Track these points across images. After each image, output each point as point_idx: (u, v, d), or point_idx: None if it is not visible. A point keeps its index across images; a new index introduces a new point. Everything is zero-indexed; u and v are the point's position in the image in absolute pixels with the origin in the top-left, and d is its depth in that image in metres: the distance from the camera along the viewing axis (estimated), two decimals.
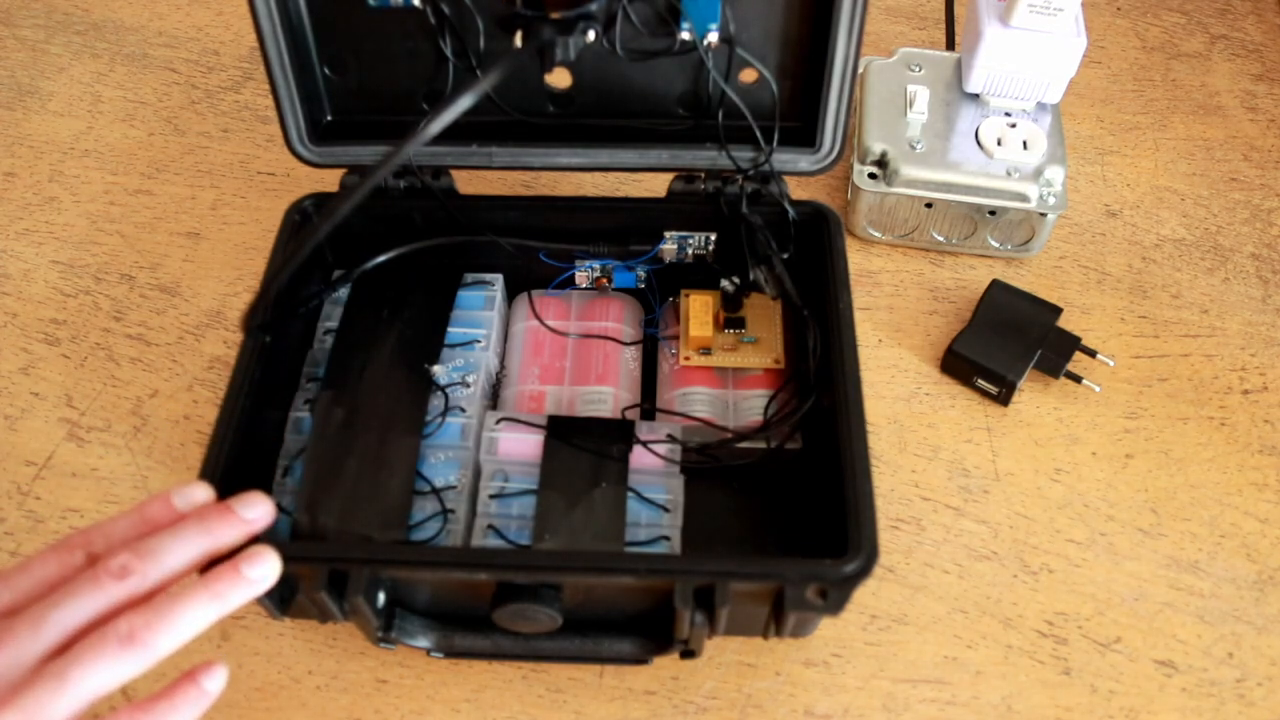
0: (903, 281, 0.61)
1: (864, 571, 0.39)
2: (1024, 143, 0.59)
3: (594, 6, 0.43)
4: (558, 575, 0.41)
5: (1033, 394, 0.56)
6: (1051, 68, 0.59)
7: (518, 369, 0.52)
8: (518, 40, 0.45)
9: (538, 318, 0.54)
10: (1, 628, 0.33)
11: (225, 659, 0.47)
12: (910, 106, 0.61)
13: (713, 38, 0.46)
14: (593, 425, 0.49)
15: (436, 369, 0.50)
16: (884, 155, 0.60)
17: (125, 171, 0.66)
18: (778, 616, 0.42)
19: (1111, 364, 0.57)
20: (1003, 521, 0.52)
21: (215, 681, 0.35)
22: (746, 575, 0.40)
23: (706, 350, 0.52)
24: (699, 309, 0.52)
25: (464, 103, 0.39)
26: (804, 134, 0.50)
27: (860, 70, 0.64)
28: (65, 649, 0.33)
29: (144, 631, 0.33)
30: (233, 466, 0.42)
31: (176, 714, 0.34)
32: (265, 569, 0.37)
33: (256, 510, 0.38)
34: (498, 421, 0.49)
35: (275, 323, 0.47)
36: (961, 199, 0.58)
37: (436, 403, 0.49)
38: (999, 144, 0.59)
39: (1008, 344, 0.55)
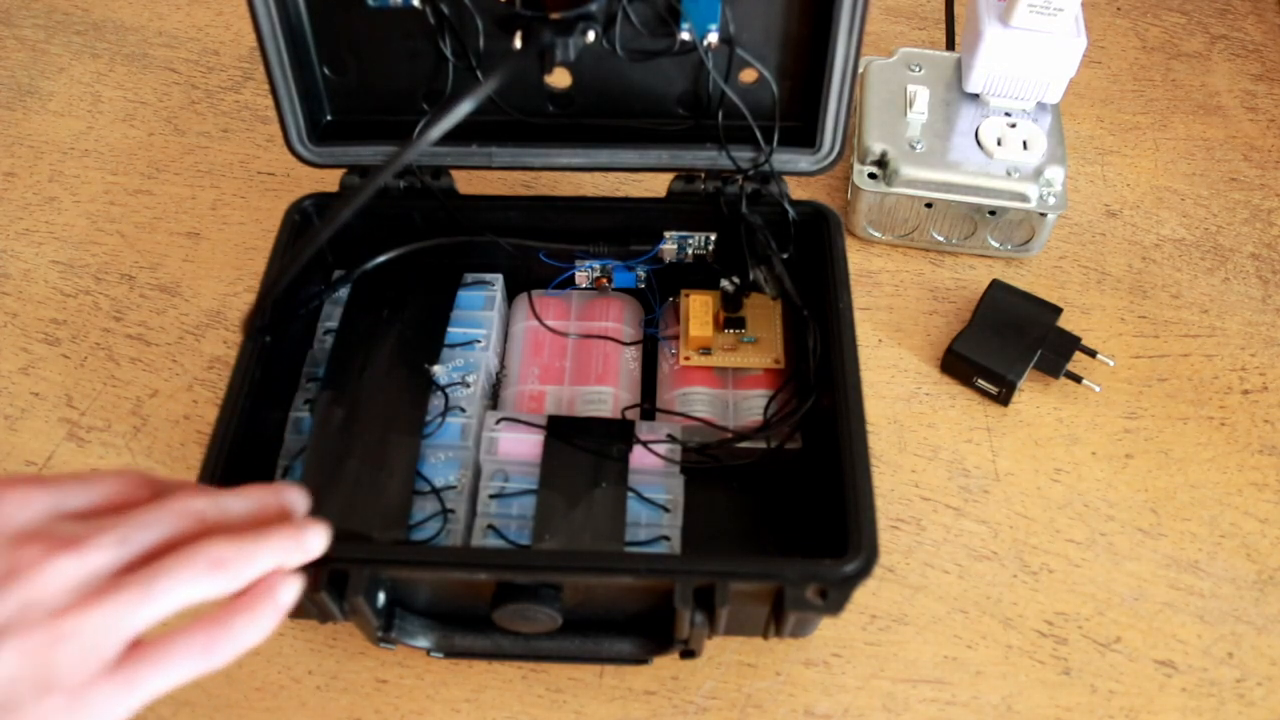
0: (903, 281, 0.61)
1: (864, 571, 0.39)
2: (1024, 143, 0.59)
3: (594, 7, 0.43)
4: (558, 575, 0.41)
5: (1033, 394, 0.56)
6: (1051, 68, 0.59)
7: (518, 369, 0.52)
8: (517, 41, 0.45)
9: (538, 318, 0.54)
10: (88, 529, 0.32)
11: None
12: (910, 106, 0.61)
13: (713, 38, 0.46)
14: (593, 425, 0.49)
15: (436, 369, 0.50)
16: (884, 155, 0.60)
17: (125, 171, 0.66)
18: (778, 616, 0.42)
19: (1111, 364, 0.57)
20: (1003, 521, 0.52)
21: (289, 593, 0.35)
22: (746, 575, 0.40)
23: (706, 350, 0.52)
24: (699, 309, 0.52)
25: (464, 108, 0.39)
26: (804, 134, 0.50)
27: (860, 70, 0.64)
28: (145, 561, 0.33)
29: (234, 561, 0.33)
30: (233, 466, 0.42)
31: (253, 625, 0.34)
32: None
33: (298, 497, 0.39)
34: (498, 421, 0.49)
35: (275, 323, 0.47)
36: (961, 199, 0.58)
37: (436, 403, 0.49)
38: (999, 144, 0.59)
39: (1008, 344, 0.55)
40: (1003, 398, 0.55)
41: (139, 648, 0.32)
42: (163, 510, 0.34)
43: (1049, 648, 0.48)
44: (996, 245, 0.61)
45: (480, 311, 0.53)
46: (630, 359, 0.53)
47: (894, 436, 0.55)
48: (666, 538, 0.46)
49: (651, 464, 0.48)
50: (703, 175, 0.51)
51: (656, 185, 0.53)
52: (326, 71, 0.49)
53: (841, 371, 0.45)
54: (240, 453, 0.43)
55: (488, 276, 0.54)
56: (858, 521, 0.40)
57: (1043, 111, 0.62)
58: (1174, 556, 0.51)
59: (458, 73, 0.49)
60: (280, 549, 0.36)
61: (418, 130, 0.39)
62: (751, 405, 0.51)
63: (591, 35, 0.44)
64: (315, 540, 0.38)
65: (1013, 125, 0.60)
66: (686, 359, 0.52)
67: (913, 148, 0.59)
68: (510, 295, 0.56)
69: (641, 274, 0.55)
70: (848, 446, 0.42)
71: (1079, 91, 0.72)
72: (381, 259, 0.52)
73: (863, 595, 0.49)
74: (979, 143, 0.60)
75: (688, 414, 0.50)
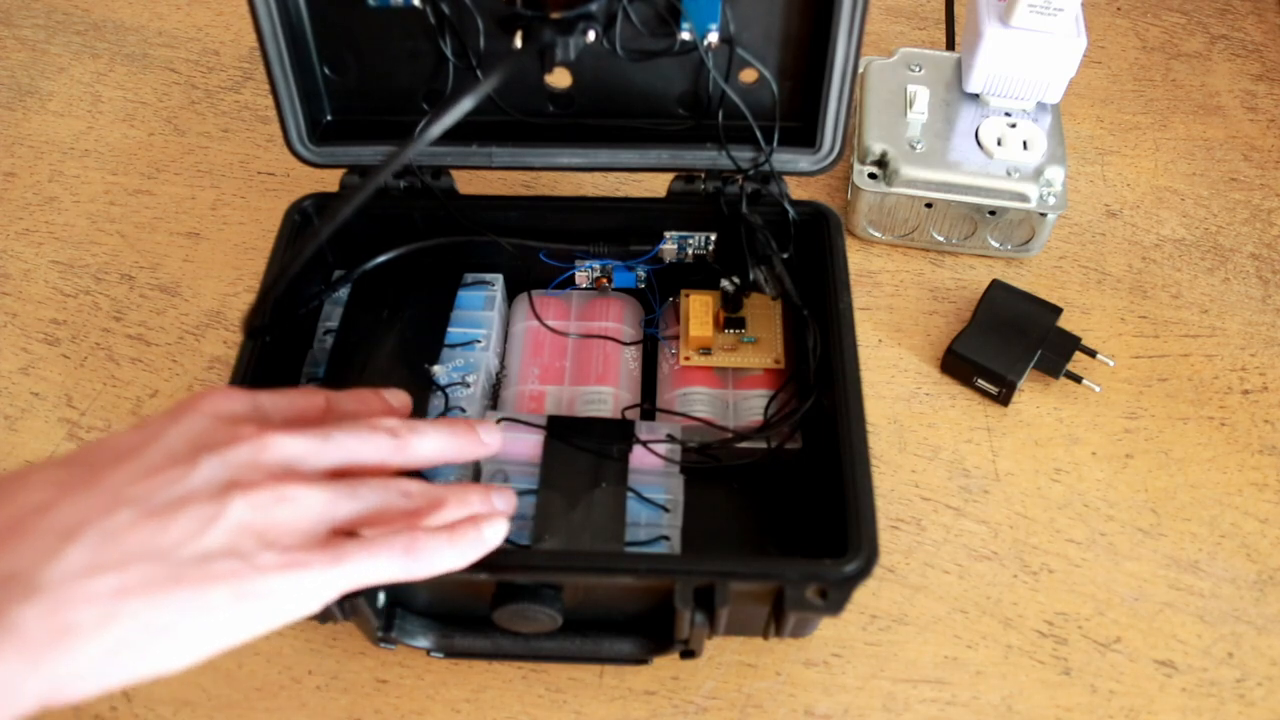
0: (903, 281, 0.61)
1: (864, 571, 0.39)
2: (1024, 143, 0.59)
3: (594, 6, 0.43)
4: (558, 575, 0.41)
5: (1033, 394, 0.56)
6: (1051, 68, 0.59)
7: (518, 369, 0.52)
8: (518, 40, 0.45)
9: (538, 318, 0.54)
10: (291, 428, 0.35)
11: (226, 658, 0.47)
12: (910, 106, 0.61)
13: (713, 38, 0.46)
14: (593, 425, 0.49)
15: (436, 369, 0.50)
16: (884, 155, 0.60)
17: (125, 171, 0.66)
18: (778, 616, 0.42)
19: (1111, 364, 0.57)
20: (1003, 521, 0.52)
21: (494, 532, 0.38)
22: (746, 575, 0.40)
23: (706, 350, 0.52)
24: (699, 309, 0.52)
25: (464, 105, 0.39)
26: (804, 134, 0.50)
27: (860, 70, 0.64)
28: (341, 474, 0.36)
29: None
30: None
31: (452, 549, 0.36)
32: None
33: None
34: (498, 421, 0.49)
35: (275, 323, 0.47)
36: (961, 199, 0.58)
37: (436, 403, 0.49)
38: (999, 144, 0.59)
39: (1008, 344, 0.55)
40: (1003, 398, 0.55)
41: (347, 535, 0.35)
42: (359, 424, 0.37)
43: (1049, 648, 0.48)
44: (996, 245, 0.61)
45: (480, 311, 0.53)
46: (630, 359, 0.53)
47: (894, 436, 0.55)
48: (666, 538, 0.46)
49: (651, 464, 0.48)
50: (703, 175, 0.51)
51: (656, 185, 0.53)
52: (326, 71, 0.49)
53: (841, 371, 0.45)
54: None
55: (488, 276, 0.54)
56: (858, 521, 0.40)
57: (1043, 111, 0.62)
58: (1174, 556, 0.51)
59: (458, 73, 0.49)
60: (444, 443, 0.40)
61: (419, 129, 0.39)
62: (751, 405, 0.51)
63: (592, 35, 0.44)
64: (485, 435, 0.41)
65: (1013, 125, 0.60)
66: (686, 359, 0.52)
67: (913, 148, 0.59)
68: (510, 295, 0.56)
69: (641, 274, 0.55)
70: (848, 446, 0.42)
71: (1079, 91, 0.72)
72: (381, 259, 0.52)
73: (863, 595, 0.49)
74: (979, 143, 0.60)
75: (688, 414, 0.50)
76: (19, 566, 0.29)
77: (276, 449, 0.34)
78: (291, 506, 0.33)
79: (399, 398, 0.43)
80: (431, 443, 0.39)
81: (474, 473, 0.48)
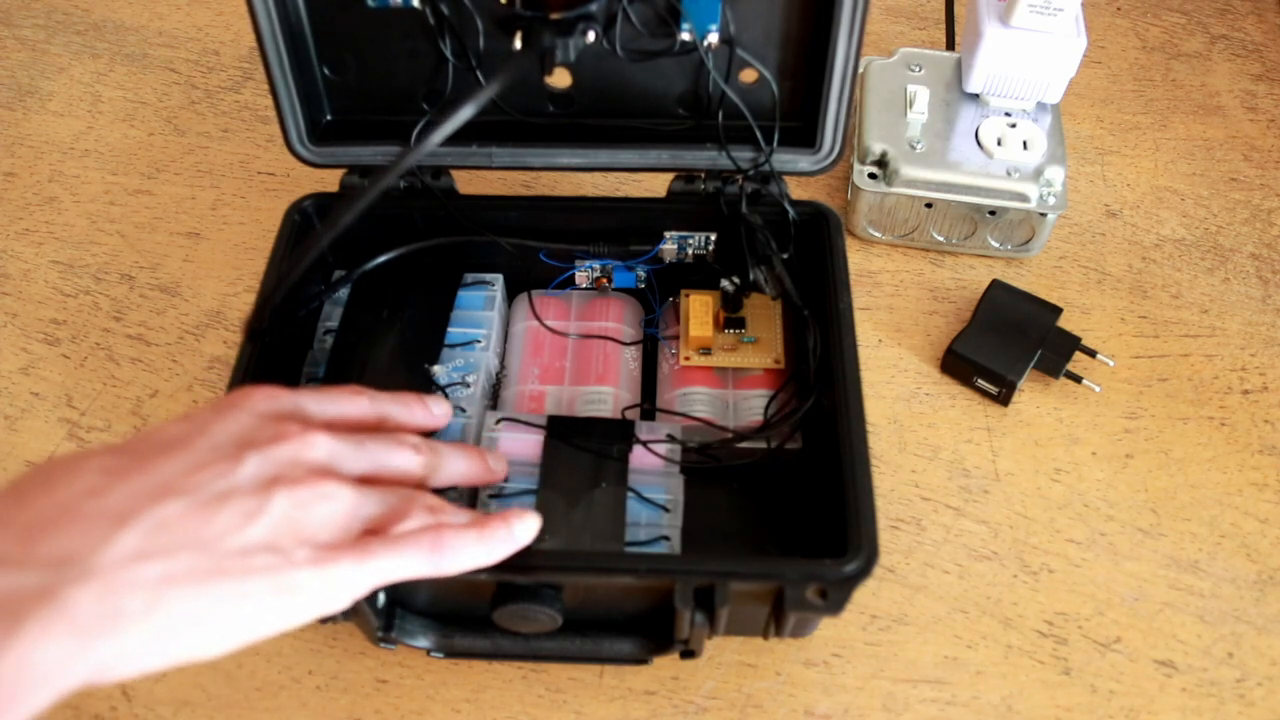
0: (903, 281, 0.61)
1: (864, 571, 0.39)
2: (1024, 143, 0.59)
3: (594, 7, 0.43)
4: (558, 575, 0.41)
5: (1033, 394, 0.56)
6: (1051, 68, 0.59)
7: (518, 369, 0.52)
8: (517, 41, 0.45)
9: (538, 318, 0.54)
10: (330, 430, 0.37)
11: (225, 658, 0.47)
12: (910, 106, 0.61)
13: (713, 38, 0.46)
14: (593, 425, 0.49)
15: (436, 369, 0.50)
16: (884, 155, 0.60)
17: (125, 171, 0.66)
18: (778, 616, 0.42)
19: (1111, 364, 0.57)
20: (1003, 521, 0.52)
21: (525, 529, 0.39)
22: (746, 575, 0.40)
23: (706, 350, 0.52)
24: (699, 309, 0.52)
25: (465, 113, 0.39)
26: (804, 134, 0.50)
27: (860, 70, 0.64)
28: (369, 481, 0.37)
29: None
30: None
31: (480, 546, 0.37)
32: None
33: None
34: (498, 421, 0.49)
35: (275, 324, 0.47)
36: (961, 199, 0.58)
37: None
38: (999, 144, 0.59)
39: (1008, 344, 0.55)
40: (1003, 398, 0.55)
41: (375, 533, 0.36)
42: (389, 438, 0.39)
43: (1049, 648, 0.48)
44: (996, 245, 0.61)
45: (480, 311, 0.53)
46: (630, 359, 0.53)
47: (894, 436, 0.55)
48: (666, 538, 0.46)
49: (651, 464, 0.48)
50: (703, 175, 0.51)
51: (656, 185, 0.53)
52: (326, 71, 0.49)
53: (841, 371, 0.45)
54: None
55: (488, 276, 0.54)
56: (858, 521, 0.40)
57: (1043, 111, 0.62)
58: (1174, 556, 0.51)
59: (458, 73, 0.49)
60: (463, 468, 0.42)
61: (417, 133, 0.39)
62: (751, 405, 0.51)
63: (592, 35, 0.44)
64: (494, 464, 0.44)
65: (1013, 125, 0.60)
66: (686, 359, 0.52)
67: (913, 148, 0.59)
68: (510, 295, 0.56)
69: (641, 274, 0.55)
70: (848, 446, 0.42)
71: (1079, 91, 0.72)
72: (381, 259, 0.52)
73: (863, 595, 0.49)
74: (979, 143, 0.60)
75: (688, 414, 0.50)
76: (74, 549, 0.29)
77: (318, 447, 0.36)
78: (329, 504, 0.34)
79: (441, 405, 0.44)
80: (450, 463, 0.41)
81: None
